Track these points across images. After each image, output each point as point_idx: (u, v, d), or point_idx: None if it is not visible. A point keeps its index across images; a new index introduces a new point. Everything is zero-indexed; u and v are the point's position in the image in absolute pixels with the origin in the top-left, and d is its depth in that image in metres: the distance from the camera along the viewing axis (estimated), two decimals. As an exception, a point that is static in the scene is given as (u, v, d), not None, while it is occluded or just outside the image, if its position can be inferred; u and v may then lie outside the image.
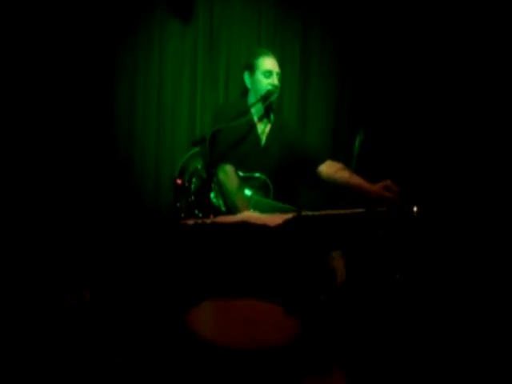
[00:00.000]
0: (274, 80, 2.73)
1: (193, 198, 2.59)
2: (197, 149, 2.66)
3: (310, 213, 2.13)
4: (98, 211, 3.13)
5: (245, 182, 2.63)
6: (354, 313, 2.23)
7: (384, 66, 3.49)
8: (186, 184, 2.58)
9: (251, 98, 2.78)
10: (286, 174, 2.76)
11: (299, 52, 3.58)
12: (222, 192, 2.57)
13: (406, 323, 2.36)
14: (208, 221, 2.14)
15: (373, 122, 3.26)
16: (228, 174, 2.57)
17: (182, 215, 2.54)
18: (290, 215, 2.11)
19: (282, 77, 3.53)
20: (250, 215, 2.20)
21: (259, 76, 2.73)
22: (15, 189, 2.95)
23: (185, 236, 2.22)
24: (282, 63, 3.53)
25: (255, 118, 2.78)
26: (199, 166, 2.66)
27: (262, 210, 2.40)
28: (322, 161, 2.73)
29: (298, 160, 2.76)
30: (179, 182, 2.60)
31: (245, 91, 2.85)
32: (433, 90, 3.32)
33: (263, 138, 2.78)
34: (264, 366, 1.81)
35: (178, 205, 2.57)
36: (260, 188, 2.66)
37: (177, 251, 2.42)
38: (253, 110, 2.75)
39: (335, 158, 3.49)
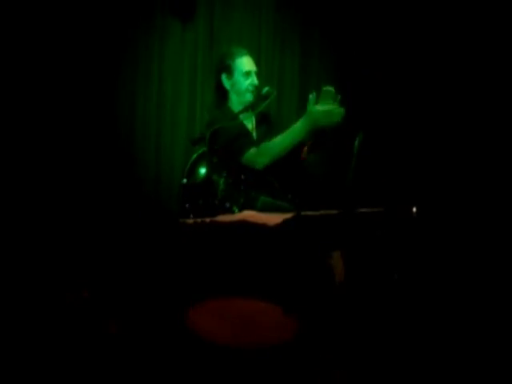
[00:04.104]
0: (254, 80, 2.69)
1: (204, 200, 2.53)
2: (202, 149, 2.62)
3: (309, 213, 2.14)
4: (98, 209, 3.13)
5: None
6: (353, 313, 2.23)
7: (383, 66, 3.50)
8: (199, 185, 2.53)
9: (233, 101, 2.71)
10: (281, 166, 2.76)
11: (299, 53, 3.59)
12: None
13: (405, 323, 2.36)
14: (207, 220, 2.15)
15: (372, 123, 3.26)
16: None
17: (191, 216, 2.49)
18: (289, 215, 2.11)
19: (282, 78, 3.58)
20: (250, 214, 2.21)
21: (239, 77, 2.66)
22: (16, 188, 2.95)
23: (184, 235, 2.22)
24: (281, 64, 3.58)
25: (248, 123, 2.76)
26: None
27: (270, 211, 2.38)
28: None
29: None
30: (188, 182, 2.55)
31: (222, 97, 2.74)
32: (432, 89, 3.33)
33: (253, 132, 2.76)
34: (263, 366, 1.81)
35: (187, 206, 2.52)
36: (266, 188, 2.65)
37: (176, 250, 2.42)
38: (242, 116, 2.69)
39: (334, 158, 3.51)
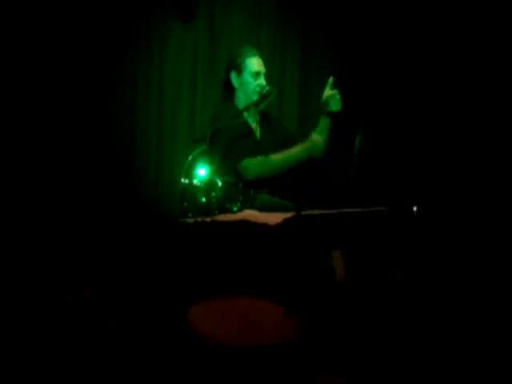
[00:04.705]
0: (262, 80, 2.71)
1: (203, 200, 2.53)
2: (201, 148, 2.63)
3: (309, 212, 2.14)
4: (98, 210, 3.13)
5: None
6: (354, 312, 2.23)
7: (383, 67, 3.50)
8: (198, 184, 2.53)
9: (239, 99, 2.74)
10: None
11: (299, 53, 3.59)
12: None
13: (407, 323, 2.36)
14: (208, 219, 2.14)
15: (372, 123, 3.26)
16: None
17: (189, 215, 2.50)
18: (289, 214, 2.11)
19: (283, 77, 3.58)
20: (250, 214, 2.21)
21: (248, 77, 2.68)
22: (16, 189, 2.95)
23: (185, 234, 2.22)
24: (282, 65, 3.58)
25: (250, 121, 2.76)
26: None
27: (269, 209, 2.39)
28: None
29: None
30: (186, 181, 2.55)
31: (229, 94, 2.77)
32: (432, 89, 3.33)
33: (257, 132, 2.78)
34: (263, 366, 1.81)
35: (185, 204, 2.53)
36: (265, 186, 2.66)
37: (177, 249, 2.42)
38: (246, 114, 2.72)
39: (335, 159, 3.51)
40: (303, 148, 2.62)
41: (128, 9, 3.18)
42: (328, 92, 2.68)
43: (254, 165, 2.59)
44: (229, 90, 2.76)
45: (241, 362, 1.79)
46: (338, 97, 2.67)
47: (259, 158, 2.60)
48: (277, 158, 2.61)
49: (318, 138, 2.63)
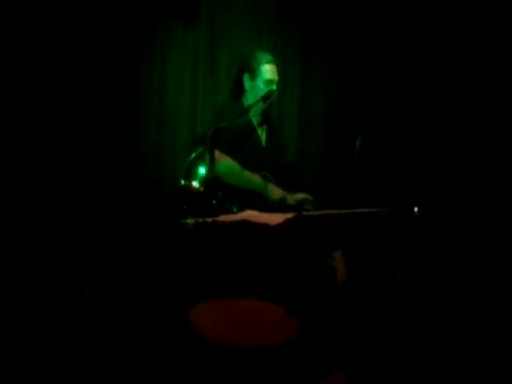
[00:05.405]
0: (273, 88, 2.70)
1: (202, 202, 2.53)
2: (201, 149, 2.63)
3: (310, 212, 2.14)
4: (99, 210, 3.13)
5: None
6: (354, 313, 2.24)
7: (383, 68, 3.51)
8: (196, 186, 2.53)
9: (249, 100, 2.73)
10: (285, 174, 2.78)
11: (300, 53, 3.60)
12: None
13: (406, 323, 2.36)
14: (209, 220, 2.15)
15: (373, 124, 3.27)
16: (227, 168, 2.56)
17: (189, 217, 2.50)
18: (290, 215, 2.11)
19: (284, 81, 3.58)
20: (251, 214, 2.21)
21: (260, 83, 2.68)
22: (17, 188, 2.96)
23: (186, 235, 2.22)
24: (283, 66, 3.57)
25: (254, 120, 2.78)
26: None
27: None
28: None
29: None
30: (185, 184, 2.55)
31: (238, 93, 2.78)
32: (432, 90, 3.34)
33: (263, 138, 2.79)
34: (264, 366, 1.81)
35: (185, 207, 2.53)
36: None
37: (178, 250, 2.42)
38: (251, 113, 2.74)
39: (336, 160, 3.52)
40: (263, 186, 2.59)
41: (130, 10, 3.19)
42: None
43: (224, 162, 2.53)
44: (239, 89, 2.76)
45: (241, 363, 1.80)
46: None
47: (234, 164, 2.57)
48: (246, 174, 2.58)
49: (277, 192, 2.58)
